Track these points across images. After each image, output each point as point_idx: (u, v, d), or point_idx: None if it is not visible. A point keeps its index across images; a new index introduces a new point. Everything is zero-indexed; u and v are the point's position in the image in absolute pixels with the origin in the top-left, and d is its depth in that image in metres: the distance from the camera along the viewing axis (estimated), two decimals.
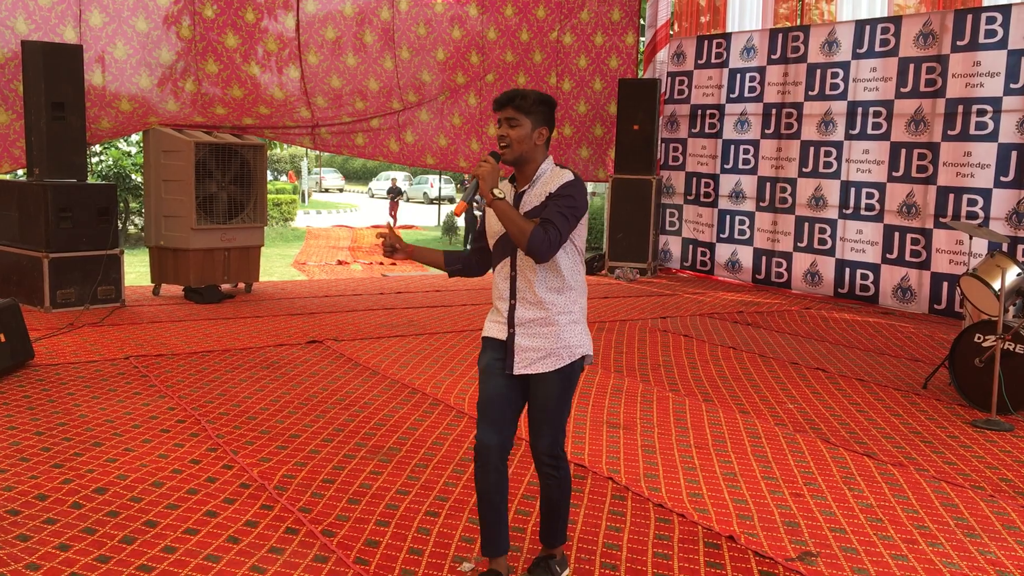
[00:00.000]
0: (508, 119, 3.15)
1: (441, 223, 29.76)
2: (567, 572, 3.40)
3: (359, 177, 52.24)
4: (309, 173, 48.33)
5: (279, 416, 5.25)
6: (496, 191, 3.07)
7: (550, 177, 3.19)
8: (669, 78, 12.24)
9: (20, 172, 9.56)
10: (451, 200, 36.18)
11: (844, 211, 10.23)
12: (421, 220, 34.06)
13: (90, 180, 9.31)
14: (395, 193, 31.85)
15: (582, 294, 3.24)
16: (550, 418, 3.20)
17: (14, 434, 4.75)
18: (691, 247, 12.12)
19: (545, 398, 3.19)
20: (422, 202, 43.52)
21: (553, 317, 3.16)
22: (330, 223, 32.37)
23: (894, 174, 9.73)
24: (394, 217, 30.66)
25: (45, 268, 7.90)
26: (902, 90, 9.64)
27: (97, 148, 22.28)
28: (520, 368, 3.17)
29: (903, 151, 9.64)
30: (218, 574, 3.30)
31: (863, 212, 10.05)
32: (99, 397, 5.49)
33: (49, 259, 7.91)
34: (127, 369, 6.18)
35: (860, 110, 10.03)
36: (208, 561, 3.40)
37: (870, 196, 9.98)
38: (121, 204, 19.98)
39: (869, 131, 9.96)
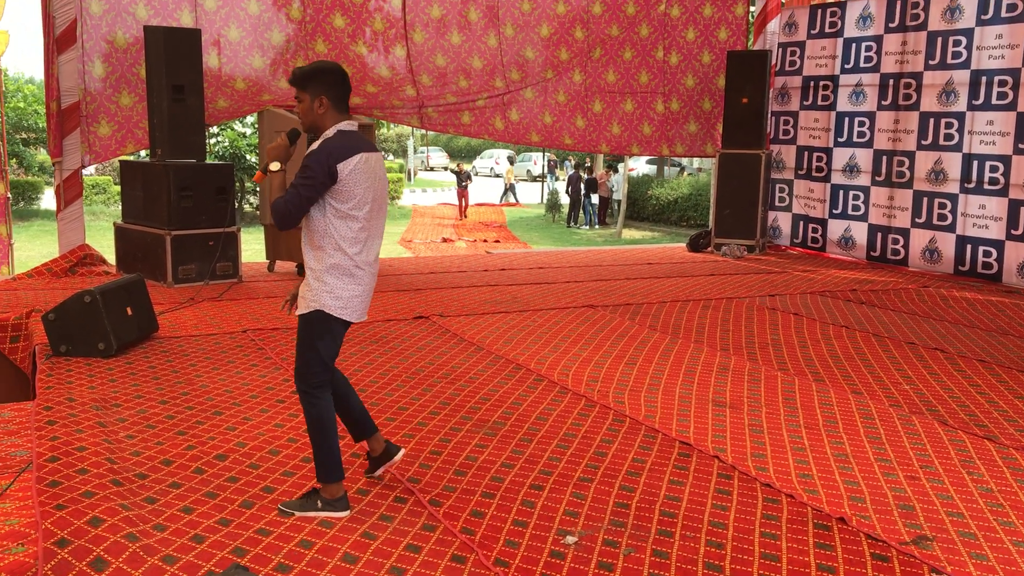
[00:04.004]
0: (295, 96, 3.62)
1: (545, 200, 29.69)
2: (312, 513, 3.61)
3: (463, 155, 52.72)
4: (415, 152, 49.06)
5: (387, 389, 5.38)
6: (273, 165, 3.61)
7: (317, 142, 3.56)
8: (780, 49, 11.90)
9: (143, 153, 10.00)
10: (555, 177, 36.11)
11: (966, 185, 9.79)
12: (524, 198, 34.17)
13: (208, 160, 9.64)
14: (463, 178, 27.12)
15: (336, 253, 3.55)
16: (297, 353, 3.73)
17: (141, 402, 5.01)
18: (802, 223, 11.80)
19: (297, 336, 3.74)
20: (526, 180, 43.63)
21: (310, 270, 3.62)
22: (435, 201, 32.83)
23: (1020, 146, 9.25)
24: (463, 206, 26.65)
25: (167, 245, 8.26)
26: None
27: (214, 129, 23.11)
28: (296, 312, 3.72)
29: None
30: (332, 539, 3.41)
31: (986, 186, 9.60)
32: (219, 368, 5.73)
33: (171, 236, 8.26)
34: (245, 342, 6.42)
35: (984, 79, 9.56)
36: (322, 527, 3.52)
37: (994, 169, 9.51)
38: (237, 183, 20.70)
39: (994, 101, 9.48)
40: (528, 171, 44.10)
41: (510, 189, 33.22)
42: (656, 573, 3.21)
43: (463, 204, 26.47)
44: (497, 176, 46.20)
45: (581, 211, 25.88)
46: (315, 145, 3.55)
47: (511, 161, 35.06)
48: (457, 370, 5.80)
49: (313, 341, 3.65)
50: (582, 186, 25.75)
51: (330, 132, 3.59)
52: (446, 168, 50.48)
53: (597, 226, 25.61)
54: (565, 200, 27.03)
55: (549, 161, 35.69)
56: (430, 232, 22.49)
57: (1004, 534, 3.57)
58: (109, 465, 4.01)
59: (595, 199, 26.02)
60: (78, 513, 3.45)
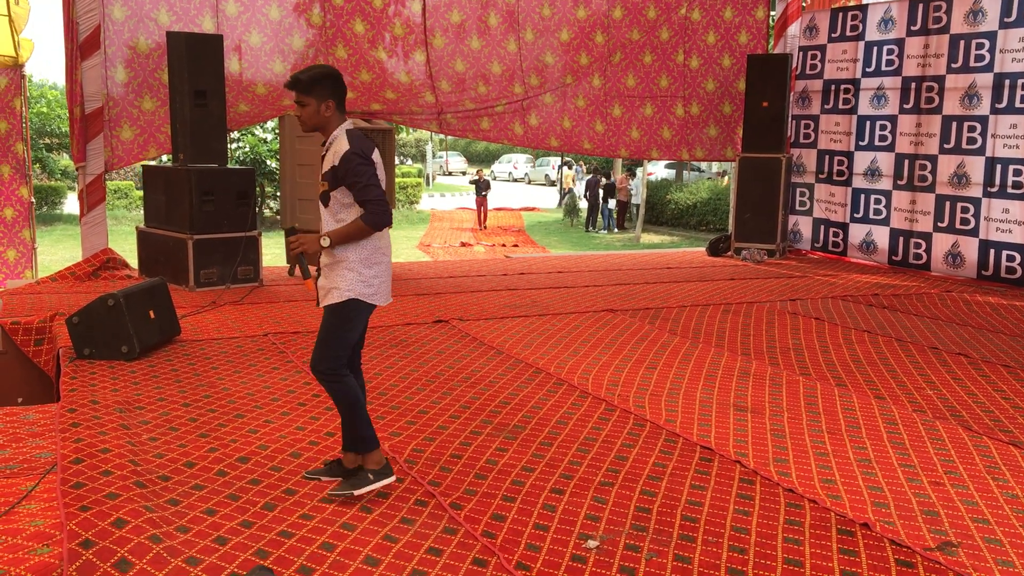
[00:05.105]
0: (297, 101, 3.74)
1: (563, 205, 29.68)
2: (368, 486, 3.77)
3: (482, 160, 52.84)
4: (434, 157, 49.18)
5: (408, 392, 5.39)
6: (323, 241, 3.73)
7: (338, 142, 3.71)
8: (801, 53, 11.85)
9: (165, 157, 10.08)
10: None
11: (989, 189, 9.71)
12: (543, 202, 34.18)
13: (229, 165, 9.71)
14: (482, 187, 25.79)
15: (368, 243, 3.75)
16: (320, 340, 3.82)
17: (164, 405, 5.04)
18: (823, 227, 11.74)
19: (321, 325, 3.85)
20: (544, 184, 43.64)
21: (342, 261, 3.77)
22: (453, 206, 32.88)
23: None
24: (482, 214, 25.64)
25: (189, 249, 8.31)
26: None
27: (235, 135, 23.28)
28: (321, 303, 3.85)
29: None
30: (353, 542, 3.42)
31: (1010, 190, 9.51)
32: (241, 372, 5.75)
33: (193, 240, 8.31)
34: (266, 345, 6.45)
35: (1008, 82, 9.48)
36: (344, 529, 3.53)
37: (1017, 173, 9.43)
38: (258, 188, 20.87)
39: (1017, 104, 9.40)
40: (547, 176, 44.11)
41: (569, 194, 32.85)
42: None
43: (482, 213, 25.66)
44: (516, 181, 46.25)
45: (600, 215, 25.85)
46: (345, 145, 3.67)
47: (568, 166, 34.95)
48: (477, 374, 5.80)
49: (341, 330, 3.79)
50: (600, 190, 25.72)
51: (338, 132, 3.74)
52: (464, 173, 50.56)
53: (615, 230, 25.57)
54: (583, 204, 27.03)
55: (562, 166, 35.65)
56: (448, 237, 22.52)
57: None
58: (132, 467, 4.04)
59: (612, 203, 25.99)
60: (102, 515, 3.47)
